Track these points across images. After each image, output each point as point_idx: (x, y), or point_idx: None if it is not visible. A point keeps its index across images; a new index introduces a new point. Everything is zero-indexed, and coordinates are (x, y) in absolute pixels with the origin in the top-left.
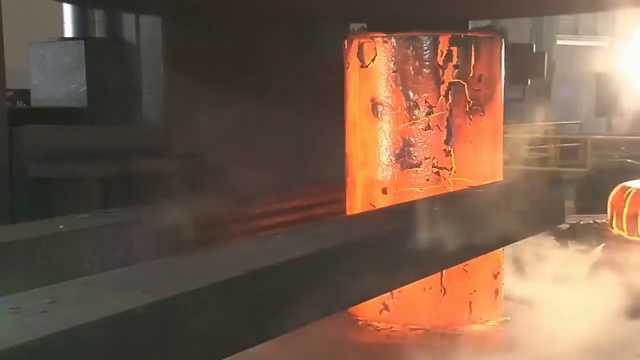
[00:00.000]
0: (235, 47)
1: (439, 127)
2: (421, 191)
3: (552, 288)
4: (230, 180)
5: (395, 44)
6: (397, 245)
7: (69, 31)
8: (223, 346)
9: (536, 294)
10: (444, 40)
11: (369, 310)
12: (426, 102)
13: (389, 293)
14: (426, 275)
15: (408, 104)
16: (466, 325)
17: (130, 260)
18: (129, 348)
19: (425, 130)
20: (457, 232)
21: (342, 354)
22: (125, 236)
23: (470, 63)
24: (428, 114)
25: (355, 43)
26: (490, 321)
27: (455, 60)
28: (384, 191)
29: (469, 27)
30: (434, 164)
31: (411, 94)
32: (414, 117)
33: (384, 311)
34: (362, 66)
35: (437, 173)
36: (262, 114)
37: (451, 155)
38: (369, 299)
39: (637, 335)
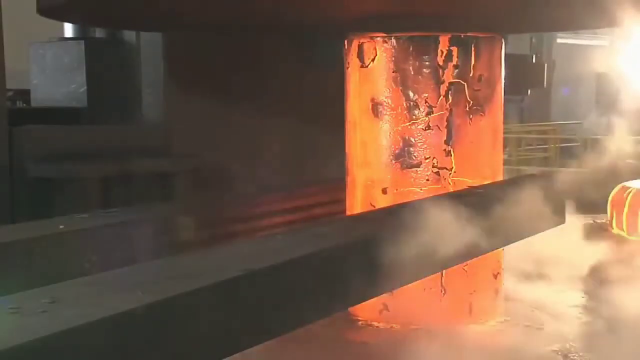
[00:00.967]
0: (235, 46)
1: (439, 127)
2: (421, 191)
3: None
4: (230, 181)
5: (395, 44)
6: (396, 245)
7: (69, 31)
8: (223, 346)
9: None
10: (444, 40)
11: (369, 310)
12: (426, 102)
13: (389, 293)
14: (426, 276)
15: (408, 104)
16: (466, 325)
17: (130, 260)
18: (129, 348)
19: (425, 130)
20: (456, 232)
21: (342, 354)
22: (125, 236)
23: (470, 63)
24: (428, 114)
25: (355, 43)
26: (490, 321)
27: (455, 60)
28: (384, 191)
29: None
30: (434, 163)
31: (411, 94)
32: (414, 117)
33: (384, 311)
34: (362, 66)
35: (437, 173)
36: (262, 113)
37: (451, 155)
38: (369, 299)
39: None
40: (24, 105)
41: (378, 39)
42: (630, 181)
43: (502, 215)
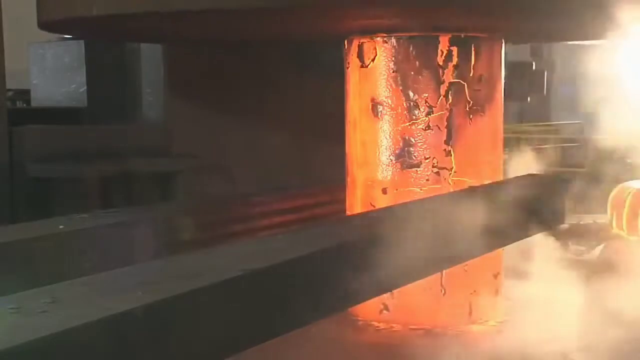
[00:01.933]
0: (236, 46)
1: (439, 127)
2: (421, 191)
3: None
4: (230, 181)
5: (395, 44)
6: (398, 245)
7: None
8: (223, 346)
9: (536, 294)
10: (444, 41)
11: (369, 310)
12: (426, 102)
13: (389, 293)
14: (427, 276)
15: (408, 104)
16: (466, 325)
17: (129, 260)
18: (129, 348)
19: (425, 130)
20: (457, 232)
21: (342, 355)
22: (124, 236)
23: (471, 63)
24: (428, 114)
25: (355, 43)
26: (490, 321)
27: (455, 60)
28: (384, 191)
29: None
30: (434, 164)
31: (411, 94)
32: (414, 117)
33: (384, 311)
34: (362, 66)
35: (437, 173)
36: (264, 113)
37: (451, 155)
38: (369, 299)
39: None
40: (24, 105)
41: (378, 39)
42: (630, 181)
43: (500, 215)
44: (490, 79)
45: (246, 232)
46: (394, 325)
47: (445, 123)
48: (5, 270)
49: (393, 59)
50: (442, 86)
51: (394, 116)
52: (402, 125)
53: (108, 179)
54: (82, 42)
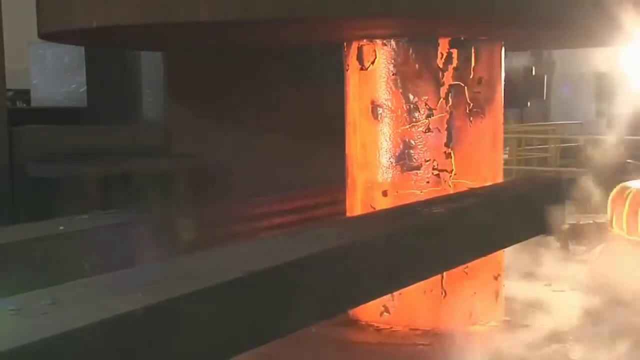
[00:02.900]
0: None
1: (439, 130)
2: (421, 193)
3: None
4: (230, 181)
5: (394, 46)
6: (398, 247)
7: None
8: (224, 347)
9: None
10: (443, 43)
11: (369, 312)
12: (426, 104)
13: (390, 295)
14: (427, 278)
15: (408, 107)
16: (467, 327)
17: (129, 261)
18: (130, 350)
19: (426, 132)
20: (457, 235)
21: (341, 356)
22: (124, 237)
23: (471, 65)
24: (428, 116)
25: (354, 46)
26: (491, 323)
27: (455, 62)
28: (384, 193)
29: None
30: (434, 166)
31: (411, 96)
32: (414, 119)
33: (385, 313)
34: (361, 69)
35: (438, 175)
36: (264, 113)
37: (451, 157)
38: (370, 300)
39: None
40: (24, 105)
41: (377, 41)
42: (630, 181)
43: (499, 218)
44: (490, 81)
45: (246, 233)
46: (394, 327)
47: (446, 125)
48: (4, 271)
49: (393, 61)
50: (442, 88)
51: (394, 118)
52: (402, 127)
53: (108, 179)
54: None
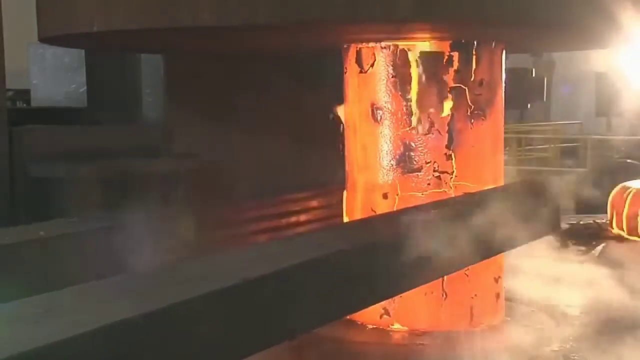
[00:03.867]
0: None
1: (439, 132)
2: (422, 196)
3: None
4: (230, 181)
5: (394, 49)
6: (394, 253)
7: None
8: (222, 354)
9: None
10: (444, 46)
11: (369, 314)
12: None
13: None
14: (424, 283)
15: (408, 109)
16: (467, 329)
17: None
18: (124, 357)
19: (426, 134)
20: (451, 241)
21: (342, 356)
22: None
23: (471, 68)
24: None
25: (353, 49)
26: (492, 324)
27: (456, 65)
28: (385, 196)
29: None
30: (434, 168)
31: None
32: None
33: (385, 315)
34: (361, 71)
35: (438, 177)
36: (264, 113)
37: (452, 159)
38: (367, 306)
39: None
40: (24, 105)
41: (376, 44)
42: (630, 181)
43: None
44: (491, 83)
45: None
46: (394, 328)
47: (446, 127)
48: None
49: (392, 64)
50: (443, 91)
51: (394, 121)
52: (403, 130)
53: (108, 179)
54: None
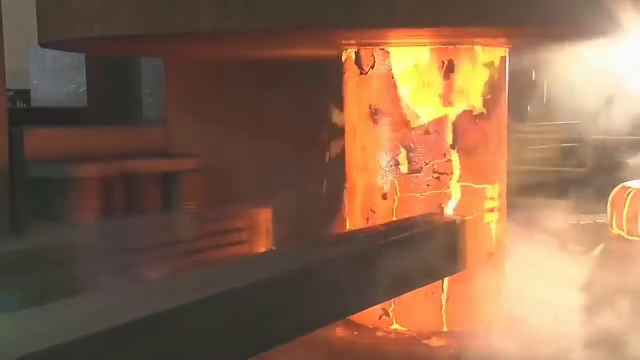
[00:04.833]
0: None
1: (437, 133)
2: (422, 197)
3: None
4: (230, 182)
5: (394, 51)
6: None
7: None
8: None
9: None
10: (446, 47)
11: (368, 315)
12: None
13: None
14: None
15: (408, 110)
16: (468, 329)
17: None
18: None
19: (426, 135)
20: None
21: (342, 356)
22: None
23: (472, 68)
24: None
25: (352, 50)
26: (492, 324)
27: (456, 65)
28: (384, 196)
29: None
30: (434, 169)
31: None
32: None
33: (384, 316)
34: (360, 73)
35: (438, 178)
36: (264, 113)
37: (452, 160)
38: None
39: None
40: (24, 105)
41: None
42: (630, 181)
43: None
44: (494, 85)
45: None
46: (394, 330)
47: (446, 128)
48: None
49: (391, 65)
50: (444, 92)
51: (393, 122)
52: (402, 130)
53: (108, 179)
54: None
